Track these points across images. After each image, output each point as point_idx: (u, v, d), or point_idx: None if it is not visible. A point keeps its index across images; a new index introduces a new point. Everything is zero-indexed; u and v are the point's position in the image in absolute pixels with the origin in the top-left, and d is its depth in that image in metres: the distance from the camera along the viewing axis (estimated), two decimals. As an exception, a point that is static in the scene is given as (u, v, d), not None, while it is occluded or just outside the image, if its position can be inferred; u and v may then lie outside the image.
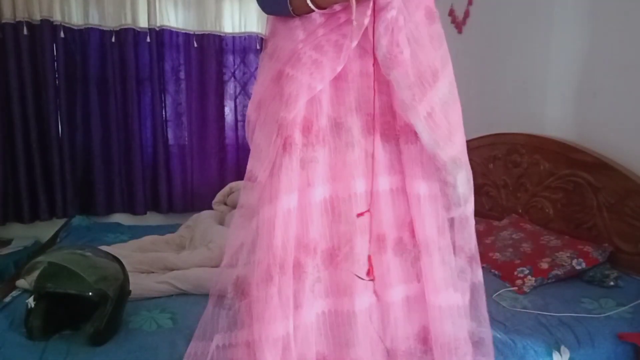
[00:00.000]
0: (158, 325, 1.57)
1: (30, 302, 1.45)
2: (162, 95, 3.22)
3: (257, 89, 1.14)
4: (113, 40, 3.06)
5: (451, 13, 3.30)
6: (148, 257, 2.02)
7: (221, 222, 2.35)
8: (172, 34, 3.15)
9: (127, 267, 1.66)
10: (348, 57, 1.05)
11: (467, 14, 3.16)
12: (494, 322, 1.65)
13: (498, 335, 1.55)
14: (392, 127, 1.12)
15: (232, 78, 3.34)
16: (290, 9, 1.07)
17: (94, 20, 3.04)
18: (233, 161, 3.41)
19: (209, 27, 3.21)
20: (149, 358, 1.39)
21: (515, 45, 2.75)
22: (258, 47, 3.28)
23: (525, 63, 2.67)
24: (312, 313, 1.07)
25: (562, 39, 2.45)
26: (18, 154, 2.93)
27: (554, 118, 2.48)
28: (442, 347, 1.10)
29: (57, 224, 2.97)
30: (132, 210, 3.23)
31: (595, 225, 2.16)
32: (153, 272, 1.98)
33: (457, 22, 3.25)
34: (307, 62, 1.04)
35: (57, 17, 2.93)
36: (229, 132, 3.39)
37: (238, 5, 3.24)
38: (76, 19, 3.02)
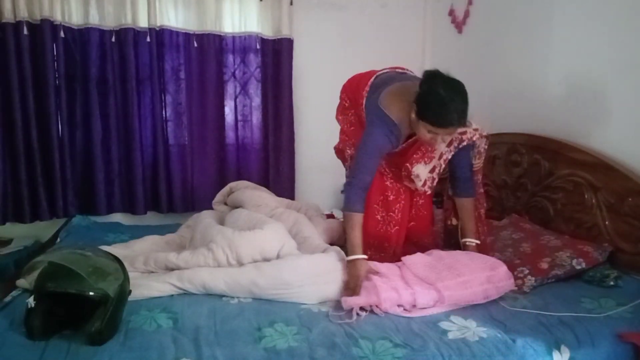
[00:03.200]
0: (158, 324, 1.57)
1: (31, 301, 1.45)
2: (162, 95, 3.21)
3: None
4: (113, 40, 3.05)
5: (451, 13, 3.31)
6: (148, 257, 2.02)
7: (221, 222, 2.34)
8: (172, 33, 3.15)
9: (127, 267, 1.66)
10: None
11: (467, 14, 3.16)
12: (494, 321, 1.66)
13: (498, 335, 1.55)
14: None
15: (232, 78, 3.33)
16: None
17: (94, 20, 3.03)
18: (233, 161, 3.41)
19: (209, 27, 3.20)
20: (149, 358, 1.39)
21: (515, 45, 2.75)
22: (258, 46, 3.26)
23: (525, 63, 2.68)
24: None
25: (561, 38, 2.45)
26: (18, 153, 2.92)
27: (553, 118, 2.48)
28: None
29: (57, 223, 2.96)
30: (132, 210, 3.23)
31: (595, 225, 2.16)
32: (153, 272, 1.98)
33: (457, 22, 3.26)
34: None
35: (57, 17, 2.92)
36: (229, 132, 3.38)
37: (238, 5, 3.22)
38: (76, 18, 3.01)
